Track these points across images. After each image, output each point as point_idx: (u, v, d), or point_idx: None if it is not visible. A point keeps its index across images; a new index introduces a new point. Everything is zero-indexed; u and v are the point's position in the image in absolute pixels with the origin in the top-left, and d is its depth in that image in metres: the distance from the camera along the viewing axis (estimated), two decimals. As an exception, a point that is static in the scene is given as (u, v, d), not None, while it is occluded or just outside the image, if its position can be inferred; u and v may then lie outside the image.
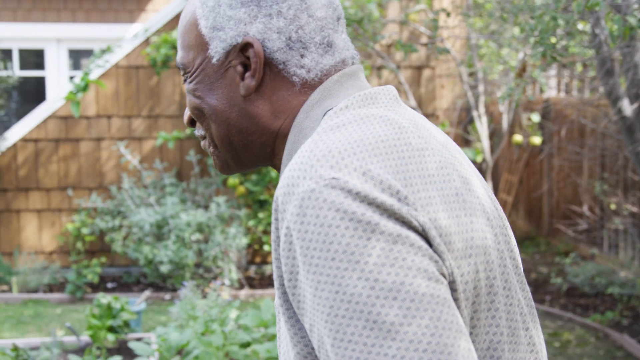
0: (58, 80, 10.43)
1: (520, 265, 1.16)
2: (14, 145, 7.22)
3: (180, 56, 1.15)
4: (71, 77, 10.42)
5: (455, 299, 0.96)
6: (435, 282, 0.91)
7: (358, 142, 0.97)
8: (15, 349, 4.07)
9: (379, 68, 7.28)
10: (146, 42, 7.11)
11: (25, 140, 7.22)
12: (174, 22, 7.06)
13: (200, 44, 1.12)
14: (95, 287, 6.99)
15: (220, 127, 1.13)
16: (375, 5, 6.25)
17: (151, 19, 7.32)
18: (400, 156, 0.98)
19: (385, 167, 0.96)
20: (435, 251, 0.94)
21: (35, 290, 6.88)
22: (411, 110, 1.12)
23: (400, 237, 0.91)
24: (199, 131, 1.18)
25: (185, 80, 1.16)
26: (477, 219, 1.03)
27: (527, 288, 1.15)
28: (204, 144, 1.19)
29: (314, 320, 0.92)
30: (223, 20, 1.10)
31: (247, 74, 1.09)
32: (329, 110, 1.07)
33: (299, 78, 1.10)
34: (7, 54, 10.20)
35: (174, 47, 6.33)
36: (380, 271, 0.89)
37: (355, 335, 0.88)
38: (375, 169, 0.95)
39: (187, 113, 1.20)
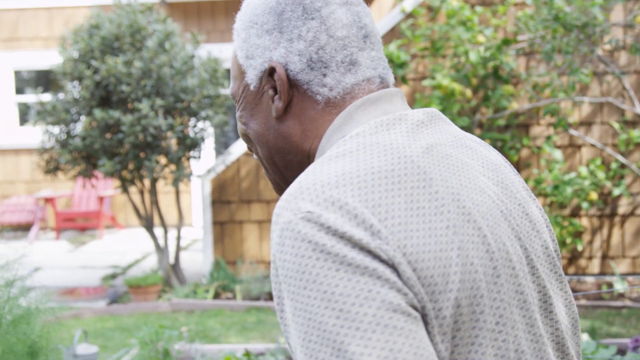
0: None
1: (554, 305, 1.13)
2: (237, 160, 7.59)
3: (230, 87, 1.24)
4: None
5: (428, 332, 0.97)
6: (401, 314, 0.93)
7: (346, 175, 1.00)
8: (247, 354, 4.25)
9: (603, 74, 6.93)
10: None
11: (247, 154, 7.57)
12: (388, 35, 7.12)
13: (241, 74, 1.20)
14: (313, 297, 7.15)
15: (263, 149, 1.21)
16: (599, 9, 5.96)
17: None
18: (387, 188, 1.00)
19: (366, 200, 0.98)
20: (405, 284, 0.96)
21: (257, 298, 7.16)
22: (439, 134, 1.12)
23: (367, 269, 0.94)
24: (255, 156, 1.26)
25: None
26: (467, 252, 1.01)
27: (556, 325, 1.13)
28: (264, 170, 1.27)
29: (295, 343, 0.97)
30: (252, 49, 1.17)
31: (276, 97, 1.16)
32: (344, 136, 1.10)
33: (322, 96, 1.14)
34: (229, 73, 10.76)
35: (391, 61, 6.37)
36: (345, 301, 0.93)
37: None
38: (353, 203, 0.98)
39: None
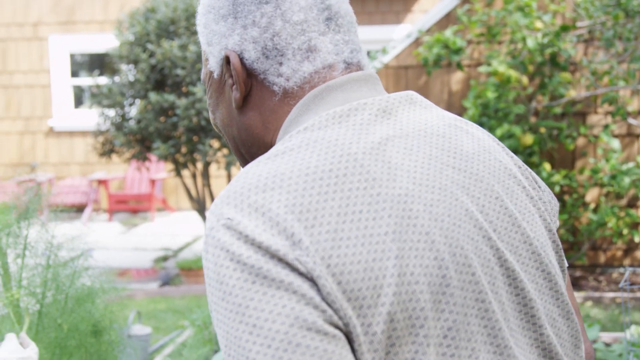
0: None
1: (536, 308, 1.03)
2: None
3: (201, 72, 1.19)
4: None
5: (355, 350, 0.89)
6: (316, 332, 0.87)
7: (277, 177, 0.94)
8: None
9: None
10: (415, 42, 7.17)
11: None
12: (444, 21, 7.04)
13: (205, 61, 1.14)
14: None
15: (230, 141, 1.15)
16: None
17: (423, 19, 7.37)
18: (320, 191, 0.93)
19: (294, 205, 0.92)
20: (325, 299, 0.89)
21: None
22: (403, 124, 1.03)
23: (282, 283, 0.88)
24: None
25: None
26: (407, 261, 0.92)
27: (540, 330, 1.04)
28: None
29: (222, 354, 0.91)
30: (211, 35, 1.11)
31: (234, 87, 1.09)
32: (298, 129, 1.02)
33: (278, 87, 1.07)
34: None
35: (447, 47, 6.31)
36: (259, 317, 0.87)
37: None
38: (278, 208, 0.91)
39: None
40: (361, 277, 0.90)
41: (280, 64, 1.06)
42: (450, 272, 0.95)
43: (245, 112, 1.10)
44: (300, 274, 0.89)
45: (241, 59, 1.08)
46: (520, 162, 1.14)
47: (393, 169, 0.97)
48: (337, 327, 0.89)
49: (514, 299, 1.02)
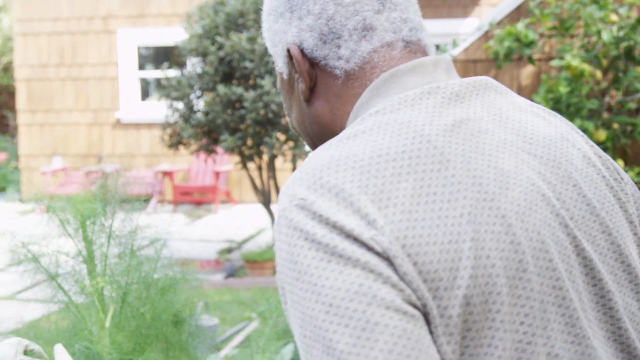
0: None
1: (614, 300, 0.99)
2: (355, 138, 7.55)
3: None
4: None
5: (431, 332, 0.87)
6: (395, 311, 0.85)
7: (350, 158, 0.93)
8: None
9: None
10: (484, 36, 7.06)
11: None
12: (514, 14, 6.92)
13: (275, 64, 1.15)
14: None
15: (306, 138, 1.15)
16: None
17: (493, 12, 7.26)
18: (394, 172, 0.91)
19: (367, 186, 0.91)
20: (402, 279, 0.87)
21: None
22: (477, 108, 1.01)
23: (359, 261, 0.86)
24: None
25: None
26: (483, 244, 0.90)
27: (618, 323, 0.99)
28: None
29: (295, 337, 0.90)
30: (273, 36, 1.12)
31: (300, 79, 1.09)
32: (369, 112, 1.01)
33: (340, 70, 1.06)
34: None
35: (518, 40, 6.20)
36: (335, 295, 0.85)
37: (317, 358, 0.86)
38: (351, 189, 0.90)
39: None
40: (437, 259, 0.88)
41: (339, 46, 1.06)
42: (527, 257, 0.93)
43: (313, 103, 1.10)
44: (376, 253, 0.87)
45: (301, 50, 1.08)
46: (602, 152, 1.11)
47: (467, 151, 0.95)
48: (415, 307, 0.87)
49: (590, 290, 0.99)
